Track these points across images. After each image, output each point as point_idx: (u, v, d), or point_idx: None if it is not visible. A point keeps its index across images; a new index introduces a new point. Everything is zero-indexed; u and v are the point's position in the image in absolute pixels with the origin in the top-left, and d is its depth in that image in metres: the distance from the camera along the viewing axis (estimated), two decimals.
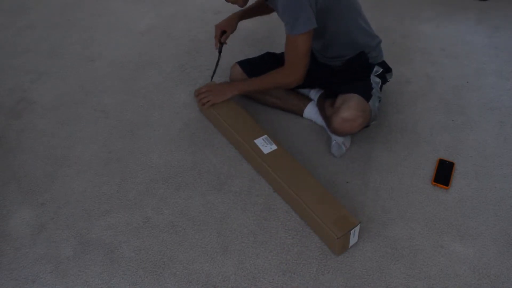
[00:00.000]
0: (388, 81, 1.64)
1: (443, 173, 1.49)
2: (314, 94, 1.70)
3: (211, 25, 2.28)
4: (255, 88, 1.63)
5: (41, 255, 1.31)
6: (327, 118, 1.54)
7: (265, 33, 2.19)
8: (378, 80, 1.56)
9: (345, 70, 1.58)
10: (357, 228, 1.24)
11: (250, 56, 1.79)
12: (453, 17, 2.28)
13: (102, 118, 1.76)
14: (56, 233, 1.37)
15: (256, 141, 1.49)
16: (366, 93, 1.49)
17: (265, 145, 1.48)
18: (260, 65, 1.68)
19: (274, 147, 1.48)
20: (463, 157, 1.55)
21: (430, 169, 1.52)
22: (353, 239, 1.28)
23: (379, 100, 1.56)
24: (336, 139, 1.55)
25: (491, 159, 1.54)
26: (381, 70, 1.57)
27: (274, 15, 1.56)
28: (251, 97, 1.77)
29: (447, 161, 1.52)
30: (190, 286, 1.23)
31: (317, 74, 1.62)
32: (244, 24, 2.26)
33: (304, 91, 1.73)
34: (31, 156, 1.62)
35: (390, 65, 1.63)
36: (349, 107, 1.43)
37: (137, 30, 2.28)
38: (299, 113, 1.70)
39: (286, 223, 1.37)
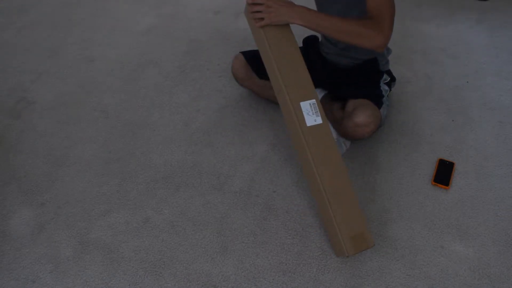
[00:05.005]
0: (391, 90, 1.65)
1: (443, 173, 1.49)
2: (317, 93, 1.69)
3: (211, 25, 2.30)
4: (325, 25, 1.26)
5: (41, 255, 1.31)
6: (335, 121, 1.53)
7: None
8: (386, 88, 1.57)
9: (355, 73, 1.56)
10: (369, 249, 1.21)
11: None
12: (453, 17, 2.28)
13: (102, 118, 1.76)
14: (56, 233, 1.37)
15: (302, 103, 1.22)
16: (377, 100, 1.49)
17: (310, 114, 1.22)
18: None
19: (319, 120, 1.22)
20: (463, 157, 1.55)
21: (430, 169, 1.52)
22: None
23: (387, 109, 1.57)
24: (338, 139, 1.55)
25: (491, 159, 1.54)
26: (389, 78, 1.57)
27: None
28: (254, 90, 1.74)
29: (447, 161, 1.52)
30: (190, 286, 1.23)
31: (324, 73, 1.60)
32: (244, 25, 2.26)
33: None
34: (31, 156, 1.62)
35: (390, 65, 1.64)
36: (363, 113, 1.41)
37: (137, 30, 2.28)
38: None
39: (286, 223, 1.37)
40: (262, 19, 1.30)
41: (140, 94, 1.87)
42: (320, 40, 1.66)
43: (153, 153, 1.61)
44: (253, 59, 1.65)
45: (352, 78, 1.56)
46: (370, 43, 1.25)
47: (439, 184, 1.45)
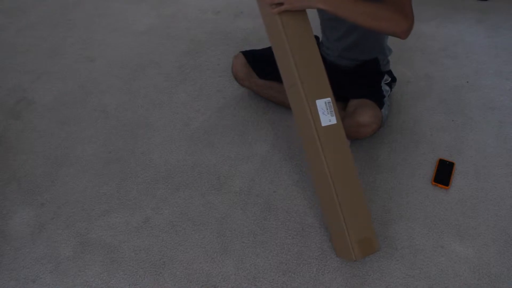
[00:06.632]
0: (392, 90, 1.65)
1: (443, 173, 1.49)
2: None
3: (211, 25, 2.30)
4: (350, 9, 1.15)
5: (41, 255, 1.31)
6: None
7: (266, 33, 2.19)
8: (387, 88, 1.56)
9: (356, 73, 1.56)
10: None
11: None
12: (453, 17, 2.28)
13: (102, 118, 1.76)
14: (56, 233, 1.37)
15: (318, 101, 1.13)
16: (379, 100, 1.49)
17: (325, 114, 1.14)
18: (266, 57, 1.56)
19: (334, 120, 1.16)
20: (463, 157, 1.55)
21: (430, 169, 1.52)
22: None
23: (388, 109, 1.57)
24: None
25: (491, 159, 1.54)
26: (390, 79, 1.57)
27: None
28: (254, 90, 1.73)
29: (447, 161, 1.52)
30: (190, 286, 1.23)
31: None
32: (244, 25, 2.27)
33: None
34: (31, 156, 1.62)
35: (390, 65, 1.64)
36: (366, 113, 1.41)
37: (137, 30, 2.28)
38: None
39: (286, 223, 1.37)
40: (281, 4, 1.16)
41: (140, 94, 1.87)
42: (320, 40, 1.66)
43: (153, 153, 1.61)
44: (253, 59, 1.64)
45: (353, 79, 1.56)
46: (398, 27, 1.16)
47: (439, 184, 1.45)
